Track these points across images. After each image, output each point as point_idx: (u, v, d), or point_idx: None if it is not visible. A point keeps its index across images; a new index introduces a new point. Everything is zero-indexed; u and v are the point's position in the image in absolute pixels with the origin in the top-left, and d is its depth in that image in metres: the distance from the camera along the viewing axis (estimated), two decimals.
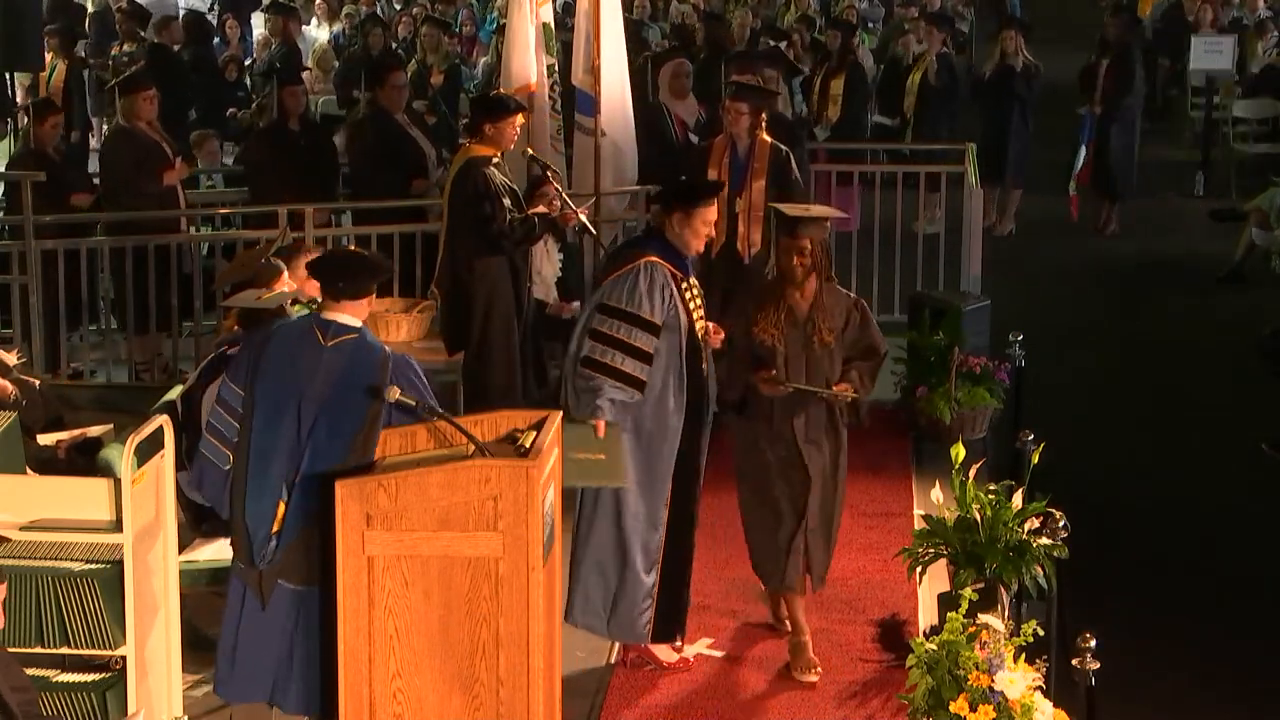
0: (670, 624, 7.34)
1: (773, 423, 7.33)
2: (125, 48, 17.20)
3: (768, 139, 9.92)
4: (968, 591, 6.45)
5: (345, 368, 6.11)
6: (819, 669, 7.29)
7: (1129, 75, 15.66)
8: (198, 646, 7.16)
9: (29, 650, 5.83)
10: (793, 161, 9.98)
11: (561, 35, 13.15)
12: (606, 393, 6.94)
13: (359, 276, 6.25)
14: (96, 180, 11.93)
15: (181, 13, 19.52)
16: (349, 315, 6.20)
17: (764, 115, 10.03)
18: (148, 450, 6.15)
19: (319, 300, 6.71)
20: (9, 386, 7.03)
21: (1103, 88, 15.58)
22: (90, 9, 19.69)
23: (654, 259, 7.06)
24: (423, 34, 16.81)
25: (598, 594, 7.23)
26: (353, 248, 6.85)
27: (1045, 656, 6.23)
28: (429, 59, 16.07)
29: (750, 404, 7.34)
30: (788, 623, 7.49)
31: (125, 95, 11.45)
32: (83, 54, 16.95)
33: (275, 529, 6.11)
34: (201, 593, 7.16)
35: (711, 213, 7.26)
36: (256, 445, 6.14)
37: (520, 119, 9.36)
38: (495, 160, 9.22)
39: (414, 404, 6.12)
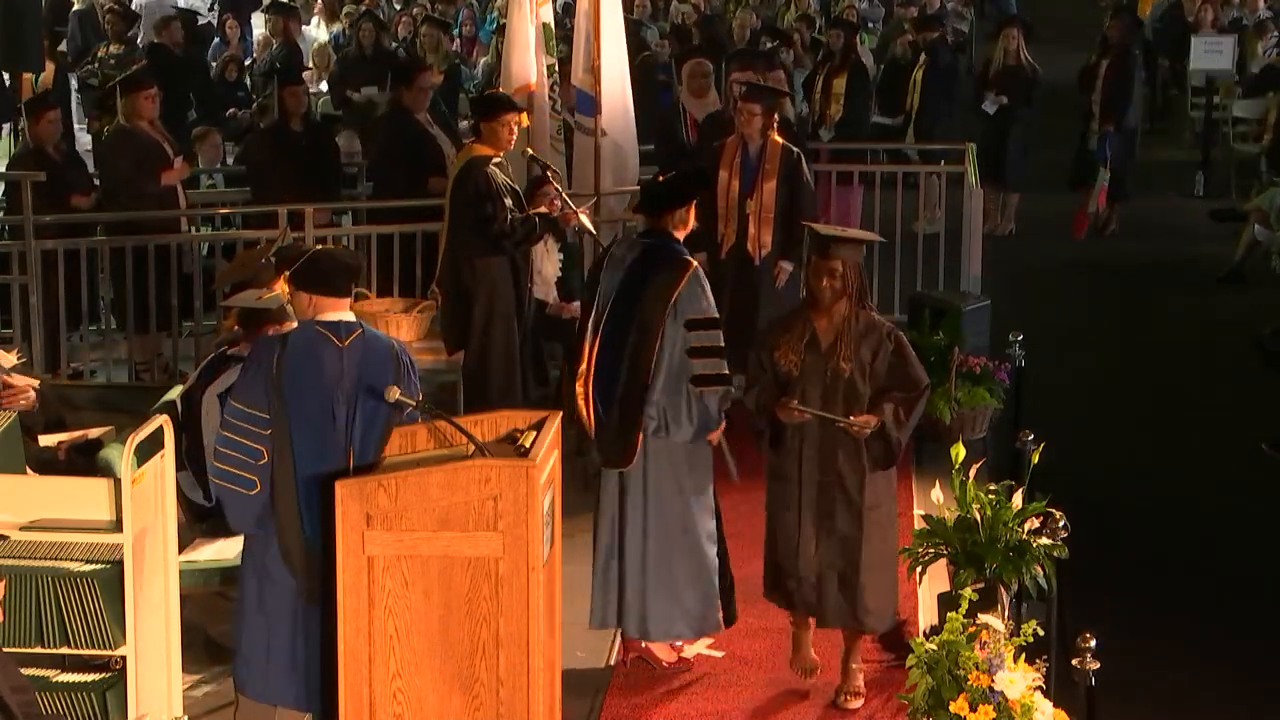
0: (732, 605, 7.42)
1: (793, 454, 6.98)
2: (112, 49, 17.15)
3: (779, 140, 9.95)
4: (968, 591, 6.45)
5: (362, 362, 6.20)
6: (820, 667, 7.28)
7: (1128, 77, 15.69)
8: (200, 646, 7.18)
9: (29, 650, 5.83)
10: (804, 163, 9.99)
11: (561, 35, 13.16)
12: (719, 404, 7.14)
13: (345, 273, 6.32)
14: (96, 180, 11.93)
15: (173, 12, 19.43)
16: (347, 312, 6.27)
17: (776, 116, 10.05)
18: (148, 450, 6.15)
19: None
20: (31, 394, 6.99)
21: (1102, 89, 15.61)
22: (76, 6, 19.63)
23: (695, 262, 7.17)
24: (422, 34, 16.80)
25: (689, 595, 7.23)
26: (318, 246, 6.87)
27: (1045, 656, 6.22)
28: (428, 59, 16.07)
29: (781, 434, 6.99)
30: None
31: (127, 94, 11.44)
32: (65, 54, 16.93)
33: None
34: (202, 592, 7.17)
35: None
36: (303, 458, 6.15)
37: (517, 118, 9.36)
38: (497, 160, 9.23)
39: (414, 403, 6.16)
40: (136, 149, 11.25)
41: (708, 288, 7.17)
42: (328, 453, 6.16)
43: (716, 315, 7.19)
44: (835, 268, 6.84)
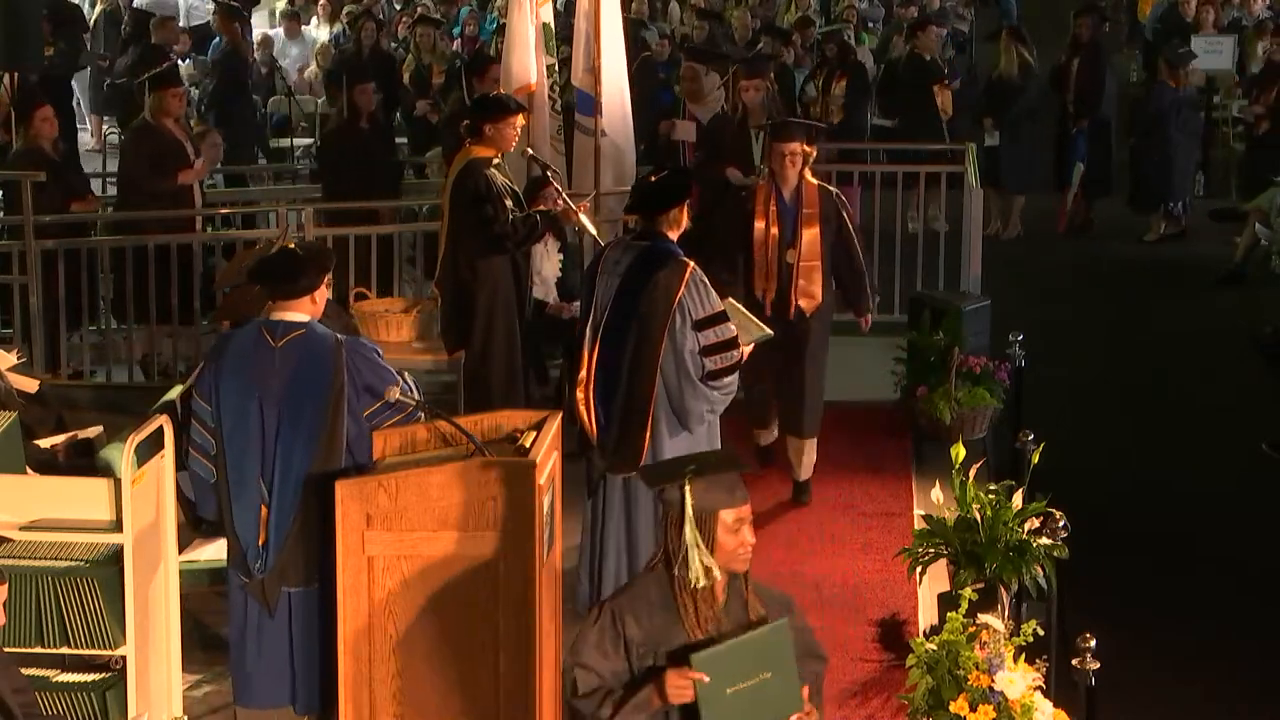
0: None
1: None
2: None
3: (814, 181, 8.92)
4: (968, 591, 6.45)
5: (297, 363, 6.21)
6: None
7: (1100, 75, 15.80)
8: (200, 646, 7.19)
9: (29, 650, 5.83)
10: (845, 206, 9.04)
11: (562, 36, 13.15)
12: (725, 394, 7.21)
13: (298, 274, 6.30)
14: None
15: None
16: (296, 312, 6.27)
17: (814, 152, 9.05)
18: (148, 450, 6.16)
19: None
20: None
21: (1075, 88, 15.68)
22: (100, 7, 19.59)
23: (692, 263, 7.14)
24: (417, 34, 16.78)
25: None
26: (290, 245, 6.88)
27: (1045, 656, 6.23)
28: (425, 58, 16.05)
29: None
30: None
31: (155, 91, 11.47)
32: None
33: (262, 536, 6.18)
34: (202, 592, 7.18)
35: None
36: (230, 456, 6.25)
37: (520, 120, 9.36)
38: (496, 161, 9.23)
39: (413, 403, 6.18)
40: (155, 146, 11.28)
41: (708, 283, 7.16)
42: (250, 452, 6.22)
43: (722, 309, 7.17)
44: (745, 545, 4.71)
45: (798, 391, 8.86)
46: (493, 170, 9.16)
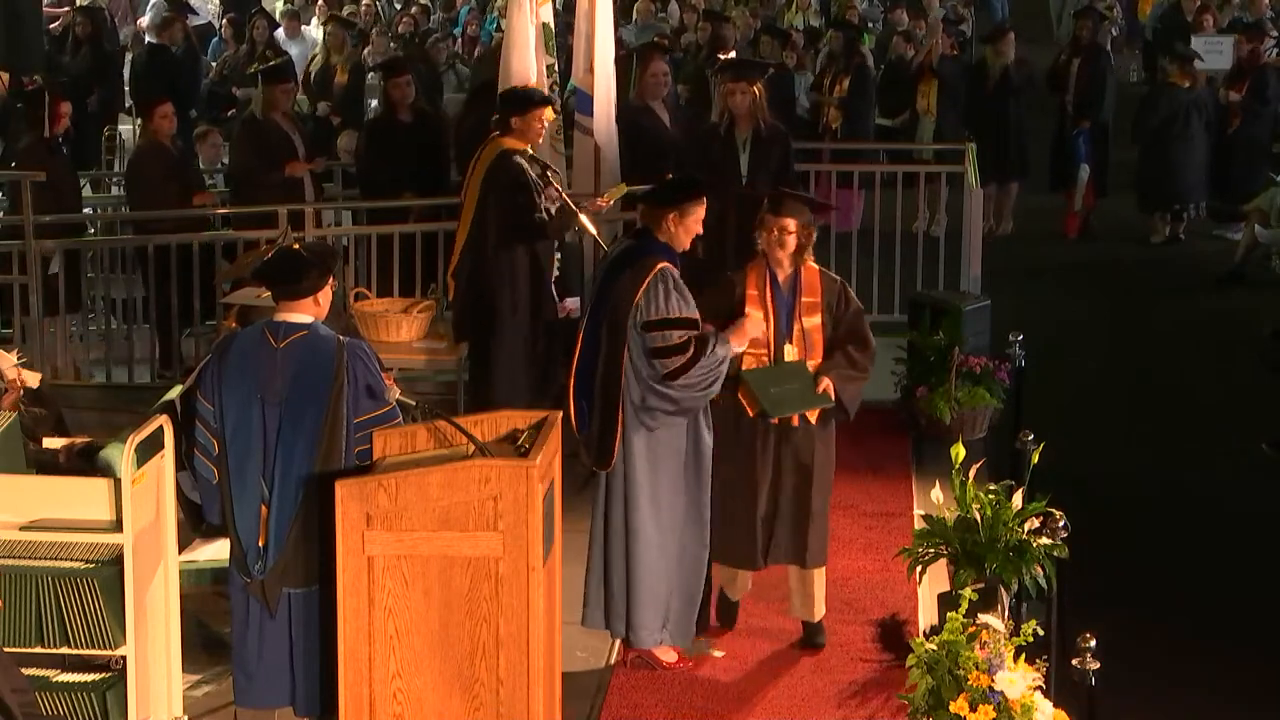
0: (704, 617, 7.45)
1: None
2: None
3: (815, 266, 7.41)
4: (968, 591, 6.46)
5: (299, 365, 6.19)
6: None
7: (1102, 75, 15.80)
8: (200, 646, 7.19)
9: (29, 650, 5.84)
10: (849, 295, 7.48)
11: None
12: (716, 379, 7.02)
13: (300, 276, 6.29)
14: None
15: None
16: (299, 314, 6.27)
17: (812, 234, 7.42)
18: (148, 450, 6.16)
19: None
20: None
21: (1075, 88, 15.69)
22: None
23: (665, 264, 7.06)
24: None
25: (670, 603, 7.22)
26: (295, 246, 6.85)
27: (1045, 656, 6.23)
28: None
29: None
30: None
31: (266, 85, 11.49)
32: None
33: (262, 536, 6.18)
34: (202, 593, 7.18)
35: (702, 210, 7.15)
36: (231, 456, 6.24)
37: (548, 113, 9.37)
38: (530, 154, 9.25)
39: (414, 404, 6.18)
40: (264, 139, 11.33)
41: (674, 287, 7.01)
42: (252, 452, 6.21)
43: (679, 315, 6.98)
44: None
45: (803, 513, 7.41)
46: (525, 161, 9.18)
